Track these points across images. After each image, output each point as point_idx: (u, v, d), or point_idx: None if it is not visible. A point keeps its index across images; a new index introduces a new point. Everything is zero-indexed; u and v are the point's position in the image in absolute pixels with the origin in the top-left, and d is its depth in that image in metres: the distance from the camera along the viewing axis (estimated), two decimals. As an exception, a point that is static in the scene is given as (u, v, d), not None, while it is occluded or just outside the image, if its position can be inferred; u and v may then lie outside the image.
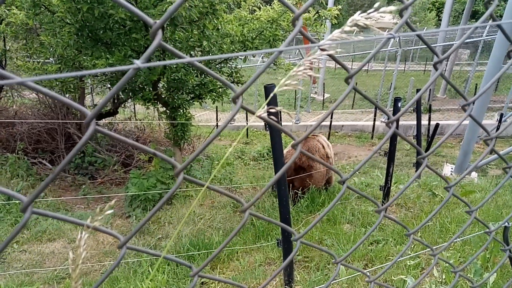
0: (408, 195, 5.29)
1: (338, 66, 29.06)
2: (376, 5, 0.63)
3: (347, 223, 4.58)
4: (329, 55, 0.58)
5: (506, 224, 1.36)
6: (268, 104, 2.47)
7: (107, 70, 0.49)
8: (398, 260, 3.32)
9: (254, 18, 5.39)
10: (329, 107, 10.60)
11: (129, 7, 0.47)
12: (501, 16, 6.91)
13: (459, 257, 3.25)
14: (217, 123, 12.85)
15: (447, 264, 2.94)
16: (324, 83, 19.42)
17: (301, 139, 0.61)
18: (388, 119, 0.77)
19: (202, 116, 15.54)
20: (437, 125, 7.97)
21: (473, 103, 0.87)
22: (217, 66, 5.93)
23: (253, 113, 0.57)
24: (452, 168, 7.67)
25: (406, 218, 4.61)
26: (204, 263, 0.60)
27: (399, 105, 4.99)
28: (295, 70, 0.57)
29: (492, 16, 0.80)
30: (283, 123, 14.36)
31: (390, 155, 4.86)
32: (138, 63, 0.45)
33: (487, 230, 1.11)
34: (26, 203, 0.45)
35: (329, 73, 26.64)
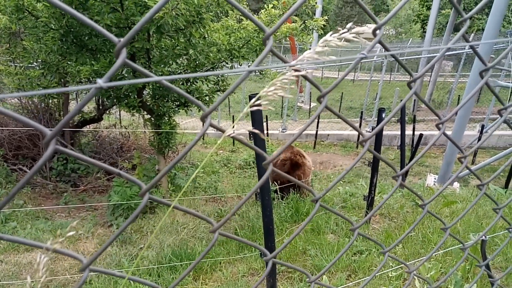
0: (391, 205, 5.33)
1: (325, 75, 29.29)
2: (349, 25, 0.63)
3: (331, 233, 4.59)
4: (302, 76, 0.57)
5: (483, 237, 1.37)
6: (252, 116, 2.45)
7: (70, 90, 0.47)
8: (381, 272, 3.32)
9: (241, 27, 5.40)
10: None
11: (95, 26, 0.46)
12: (483, 30, 7.08)
13: (440, 267, 3.27)
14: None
15: (428, 275, 2.96)
16: (310, 92, 19.57)
17: (271, 158, 0.60)
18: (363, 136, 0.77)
19: (188, 123, 15.46)
20: (421, 135, 8.10)
21: (445, 122, 0.87)
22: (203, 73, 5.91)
23: (223, 131, 0.56)
24: (435, 178, 7.77)
25: (390, 228, 4.64)
26: None
27: (383, 115, 5.05)
28: (265, 90, 0.57)
29: (464, 37, 0.81)
30: (269, 132, 14.39)
31: (374, 165, 4.90)
32: (101, 82, 0.44)
33: (462, 246, 1.12)
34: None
35: (316, 82, 26.79)
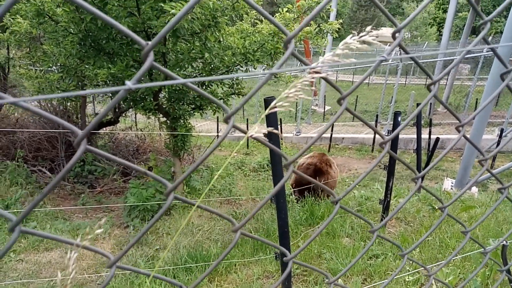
0: (408, 209, 5.26)
1: (340, 78, 29.20)
2: (368, 28, 0.64)
3: (347, 237, 4.55)
4: (322, 78, 0.58)
5: (504, 242, 1.35)
6: (267, 119, 2.48)
7: (98, 91, 0.49)
8: (397, 276, 3.29)
9: (256, 31, 5.43)
10: (330, 119, 10.55)
11: (121, 28, 0.47)
12: (501, 32, 6.96)
13: (459, 273, 3.22)
14: (217, 133, 12.88)
15: (447, 281, 2.91)
16: (325, 96, 19.49)
17: (293, 159, 0.61)
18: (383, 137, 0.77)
19: (203, 126, 15.56)
20: (437, 139, 7.97)
21: (465, 125, 0.87)
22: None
23: (245, 133, 0.57)
24: (452, 183, 7.64)
25: (406, 233, 4.58)
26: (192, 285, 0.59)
27: (399, 119, 5.00)
28: (286, 92, 0.58)
29: (485, 40, 0.81)
30: (284, 135, 14.38)
31: (390, 169, 4.85)
32: (130, 84, 0.46)
33: (483, 250, 1.10)
34: (14, 223, 0.45)
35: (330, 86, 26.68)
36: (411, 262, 3.61)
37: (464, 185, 7.38)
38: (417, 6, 38.31)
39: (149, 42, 0.48)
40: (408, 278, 3.18)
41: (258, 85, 0.54)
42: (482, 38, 0.83)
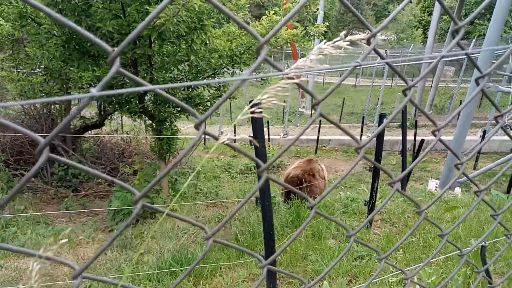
0: (393, 210, 5.32)
1: (327, 81, 29.33)
2: (342, 33, 0.64)
3: (332, 238, 4.58)
4: (296, 84, 0.58)
5: (483, 243, 1.37)
6: (252, 122, 2.47)
7: (63, 99, 0.48)
8: (381, 277, 3.31)
9: (243, 33, 5.43)
10: (317, 121, 10.77)
11: (88, 36, 0.47)
12: (485, 35, 7.10)
13: (442, 273, 3.26)
14: (204, 136, 12.82)
15: (429, 281, 2.95)
16: (312, 98, 19.61)
17: (267, 165, 0.61)
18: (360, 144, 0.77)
19: (190, 129, 15.49)
20: (422, 140, 8.09)
21: (442, 129, 0.88)
22: (205, 79, 5.94)
23: (217, 139, 0.57)
24: (437, 184, 7.75)
25: (391, 234, 4.62)
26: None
27: (384, 121, 5.06)
28: (258, 98, 0.58)
29: (459, 45, 0.82)
30: (271, 137, 14.40)
31: (375, 170, 4.90)
32: (94, 91, 0.45)
33: (460, 252, 1.12)
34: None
35: (318, 88, 26.94)
36: (394, 262, 3.64)
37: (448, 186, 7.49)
38: (403, 10, 38.89)
39: (115, 49, 0.47)
40: (391, 279, 3.21)
41: (228, 92, 0.54)
42: (456, 43, 0.85)
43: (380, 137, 5.10)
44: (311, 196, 5.67)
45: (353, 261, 3.92)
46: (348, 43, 0.66)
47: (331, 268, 0.81)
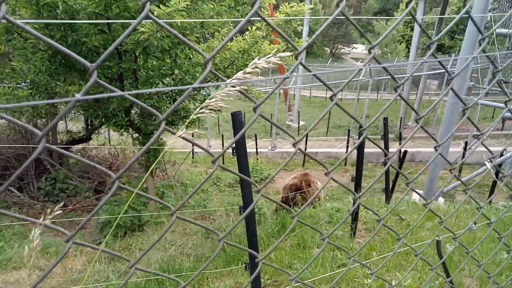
0: (376, 219, 5.44)
1: (314, 94, 29.60)
2: (276, 50, 0.76)
3: (317, 248, 4.67)
4: (238, 91, 0.70)
5: (437, 238, 1.48)
6: (234, 131, 2.60)
7: (46, 102, 0.59)
8: (364, 282, 3.40)
9: (226, 48, 5.59)
10: (303, 134, 11.01)
11: (69, 53, 0.58)
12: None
13: (419, 278, 3.37)
14: (192, 149, 12.88)
15: (406, 283, 3.06)
16: (299, 111, 19.85)
17: (219, 155, 0.71)
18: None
19: (178, 142, 15.51)
20: (405, 152, 8.27)
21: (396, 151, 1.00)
22: (191, 93, 6.05)
23: (174, 133, 0.67)
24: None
25: (374, 242, 4.73)
26: None
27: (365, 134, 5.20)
28: (207, 102, 0.69)
29: (433, 55, 0.95)
30: (259, 150, 14.51)
31: (357, 181, 5.02)
32: (78, 96, 0.55)
33: (416, 253, 1.23)
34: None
35: (304, 101, 27.33)
36: (376, 265, 3.74)
37: (431, 196, 7.68)
38: (386, 24, 39.94)
39: (93, 64, 0.58)
40: (367, 281, 3.31)
41: (179, 99, 0.65)
42: (431, 55, 0.98)
43: (359, 149, 5.24)
44: (304, 201, 6.20)
45: (336, 269, 4.01)
46: (278, 59, 0.78)
47: (302, 272, 0.91)
